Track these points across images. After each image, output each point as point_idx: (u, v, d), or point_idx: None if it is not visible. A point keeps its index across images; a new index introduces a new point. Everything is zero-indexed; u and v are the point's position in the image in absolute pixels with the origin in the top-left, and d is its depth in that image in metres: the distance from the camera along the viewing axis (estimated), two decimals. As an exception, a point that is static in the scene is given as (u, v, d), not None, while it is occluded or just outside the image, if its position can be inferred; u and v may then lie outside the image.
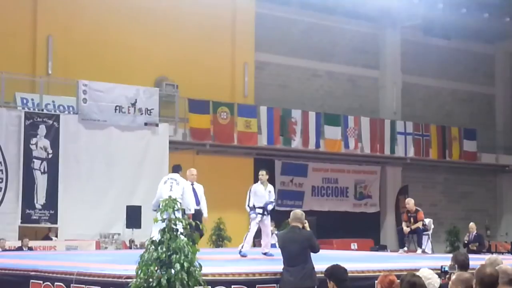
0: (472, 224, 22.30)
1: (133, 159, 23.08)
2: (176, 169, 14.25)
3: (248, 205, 14.49)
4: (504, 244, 30.52)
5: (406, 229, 17.86)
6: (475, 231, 22.07)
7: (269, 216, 14.66)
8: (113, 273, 9.54)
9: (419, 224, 17.76)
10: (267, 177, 14.84)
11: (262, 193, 14.50)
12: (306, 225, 10.23)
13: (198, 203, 14.69)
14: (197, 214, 14.21)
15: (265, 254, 14.52)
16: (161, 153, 23.53)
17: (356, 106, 31.78)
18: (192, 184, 14.66)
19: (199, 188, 14.98)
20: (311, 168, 29.88)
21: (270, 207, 14.54)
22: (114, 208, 22.26)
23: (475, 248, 21.36)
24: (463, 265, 8.04)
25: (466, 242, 22.07)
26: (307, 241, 9.91)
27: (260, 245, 15.21)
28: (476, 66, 35.98)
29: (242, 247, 14.39)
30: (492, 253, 25.58)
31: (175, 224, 8.24)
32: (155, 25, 26.43)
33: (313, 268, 9.78)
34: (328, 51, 31.42)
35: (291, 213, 10.31)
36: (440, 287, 7.84)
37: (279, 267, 10.04)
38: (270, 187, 14.76)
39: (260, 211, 14.43)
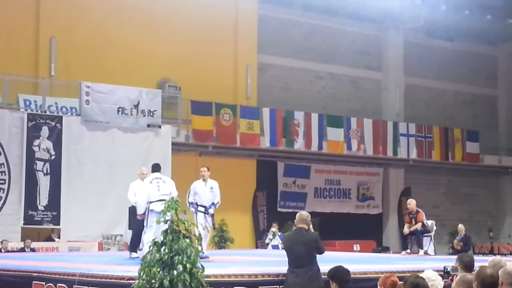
0: (460, 226, 22.36)
1: (135, 161, 22.98)
2: (157, 168, 14.28)
3: (188, 200, 14.24)
4: (507, 245, 30.53)
5: (405, 231, 17.88)
6: (464, 233, 22.12)
7: (209, 216, 14.32)
8: (116, 274, 9.55)
9: (418, 226, 17.73)
10: (208, 173, 14.51)
11: (202, 190, 14.31)
12: (311, 226, 10.21)
13: None
14: None
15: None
16: (163, 154, 23.51)
17: (358, 108, 31.78)
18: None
19: None
20: (313, 170, 29.86)
21: (211, 211, 14.30)
22: (117, 210, 22.22)
23: (459, 247, 21.34)
24: (468, 267, 8.02)
25: (454, 244, 22.13)
26: (314, 243, 9.87)
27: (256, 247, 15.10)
28: (479, 68, 35.96)
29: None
30: (494, 254, 25.60)
31: (177, 226, 8.24)
32: (158, 27, 26.45)
33: (319, 270, 9.75)
34: (330, 53, 31.42)
35: (297, 214, 10.26)
36: (443, 289, 7.85)
37: (281, 268, 10.03)
38: (212, 183, 14.44)
39: (202, 209, 14.28)
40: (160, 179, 13.87)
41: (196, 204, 14.23)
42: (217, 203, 14.47)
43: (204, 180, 14.41)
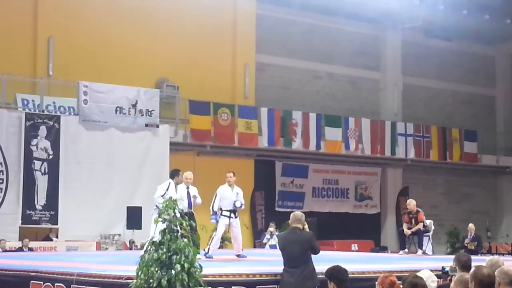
0: (471, 225, 22.30)
1: (133, 160, 23.08)
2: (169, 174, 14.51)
3: (213, 208, 14.30)
4: (505, 245, 30.53)
5: (407, 231, 17.87)
6: (474, 232, 22.07)
7: (237, 218, 14.53)
8: (114, 274, 9.55)
9: (420, 226, 17.76)
10: (234, 178, 14.60)
11: (230, 196, 14.36)
12: (306, 226, 10.23)
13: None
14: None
15: (238, 256, 14.51)
16: (161, 154, 23.54)
17: (356, 108, 31.78)
18: (188, 188, 14.44)
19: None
20: (311, 170, 29.87)
21: (238, 204, 14.38)
22: (115, 209, 22.27)
23: (473, 247, 21.32)
24: (465, 266, 8.03)
25: (466, 244, 22.04)
26: (308, 243, 9.89)
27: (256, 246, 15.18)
28: (477, 67, 35.97)
29: (208, 249, 14.29)
30: (492, 254, 25.60)
31: (176, 225, 8.25)
32: (156, 27, 26.44)
33: (314, 269, 9.77)
34: (328, 53, 31.42)
35: (291, 214, 10.30)
36: (440, 288, 7.88)
37: (279, 268, 10.04)
38: (237, 189, 14.56)
39: (227, 213, 14.34)
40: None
41: (221, 209, 14.27)
42: (243, 204, 14.62)
43: (230, 185, 14.48)
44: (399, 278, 7.03)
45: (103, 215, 22.22)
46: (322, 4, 29.40)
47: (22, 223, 21.07)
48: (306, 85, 31.05)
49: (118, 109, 22.92)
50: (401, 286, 6.69)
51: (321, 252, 10.29)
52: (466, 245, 21.92)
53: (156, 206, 13.80)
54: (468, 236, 22.13)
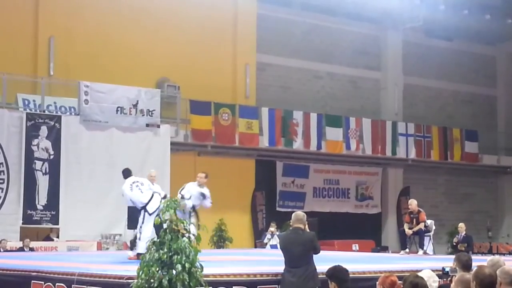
0: (461, 224, 22.16)
1: (134, 160, 22.97)
2: (129, 173, 14.50)
3: (181, 192, 14.81)
4: (506, 245, 30.53)
5: (408, 231, 17.89)
6: (464, 232, 21.95)
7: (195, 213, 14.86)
8: (115, 273, 9.56)
9: (421, 226, 17.78)
10: (205, 180, 15.05)
11: (195, 191, 14.78)
12: (306, 226, 10.23)
13: None
14: None
15: None
16: (162, 154, 23.54)
17: (357, 108, 31.78)
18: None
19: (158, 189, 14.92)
20: (312, 169, 29.86)
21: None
22: (116, 209, 22.19)
23: (463, 248, 21.22)
24: (466, 266, 8.05)
25: (455, 243, 21.96)
26: (310, 243, 9.88)
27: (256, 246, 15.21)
28: (478, 67, 35.97)
29: None
30: (493, 254, 25.60)
31: (176, 225, 8.24)
32: (157, 27, 26.44)
33: (315, 269, 9.76)
34: (329, 53, 31.41)
35: (293, 214, 10.29)
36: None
37: (280, 268, 10.03)
38: (206, 190, 15.01)
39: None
40: (137, 181, 14.11)
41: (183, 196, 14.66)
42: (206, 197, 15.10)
43: (199, 185, 14.95)
44: (400, 278, 7.03)
45: (104, 215, 22.22)
46: (323, 4, 29.43)
47: (23, 223, 21.08)
48: (306, 85, 31.05)
49: (119, 109, 22.93)
50: (402, 286, 6.68)
51: (322, 252, 10.29)
52: (455, 244, 21.82)
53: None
54: (458, 236, 21.94)
